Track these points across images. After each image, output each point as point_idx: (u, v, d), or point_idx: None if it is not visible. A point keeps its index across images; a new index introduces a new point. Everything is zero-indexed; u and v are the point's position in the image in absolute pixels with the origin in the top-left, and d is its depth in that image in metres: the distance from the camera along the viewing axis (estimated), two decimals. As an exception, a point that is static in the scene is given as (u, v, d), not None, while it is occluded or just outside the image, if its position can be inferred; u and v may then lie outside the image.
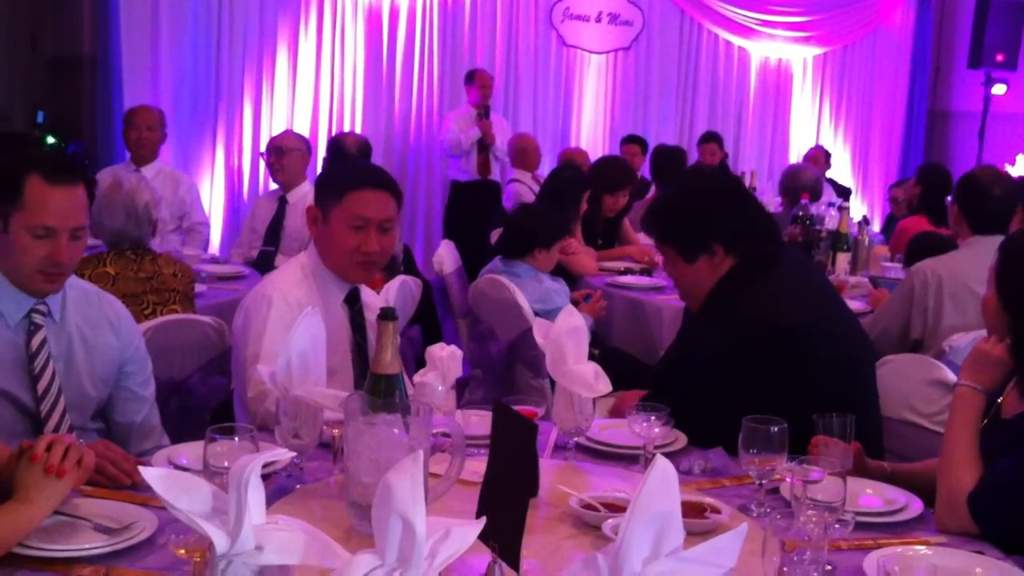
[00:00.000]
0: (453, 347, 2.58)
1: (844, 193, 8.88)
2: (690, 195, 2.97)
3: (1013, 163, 9.16)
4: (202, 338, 3.43)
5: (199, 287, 4.20)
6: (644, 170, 8.95)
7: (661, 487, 1.49)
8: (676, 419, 2.46)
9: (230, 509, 1.52)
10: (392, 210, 2.90)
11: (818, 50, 10.76)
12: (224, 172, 8.56)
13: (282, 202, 5.75)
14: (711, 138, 9.14)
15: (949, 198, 4.82)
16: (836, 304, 3.01)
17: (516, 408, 2.11)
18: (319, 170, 7.26)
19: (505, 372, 4.38)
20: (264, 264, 5.46)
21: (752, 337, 2.68)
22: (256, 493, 1.52)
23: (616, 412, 2.97)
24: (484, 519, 1.54)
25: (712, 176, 3.06)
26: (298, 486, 2.26)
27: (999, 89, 9.67)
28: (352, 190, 2.84)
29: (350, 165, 4.65)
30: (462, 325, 5.24)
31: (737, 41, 10.46)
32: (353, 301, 2.95)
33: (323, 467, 2.34)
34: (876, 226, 9.23)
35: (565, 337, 2.49)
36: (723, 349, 2.72)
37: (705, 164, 8.58)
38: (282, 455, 1.72)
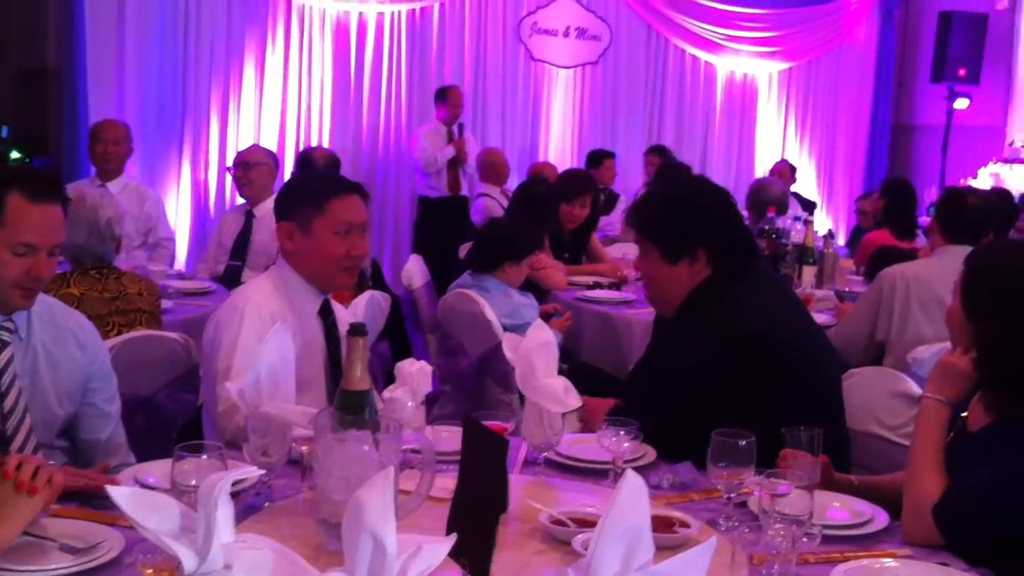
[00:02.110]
0: (423, 363, 2.59)
1: (809, 207, 8.95)
2: (685, 197, 2.96)
3: (975, 176, 9.27)
4: (169, 354, 3.40)
5: (166, 303, 4.17)
6: (616, 184, 9.00)
7: (631, 502, 1.50)
8: (648, 430, 2.47)
9: (199, 528, 1.51)
10: (366, 212, 2.99)
11: (783, 65, 10.85)
12: (190, 186, 8.52)
13: (249, 216, 5.72)
14: (654, 150, 9.19)
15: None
16: (803, 315, 3.04)
17: (486, 423, 2.12)
18: (287, 184, 7.23)
19: (474, 387, 4.38)
20: (231, 279, 5.43)
21: (719, 342, 2.70)
22: (225, 511, 1.51)
23: (586, 422, 2.96)
24: (454, 536, 1.54)
25: (705, 183, 3.07)
26: (266, 504, 2.24)
27: (962, 103, 9.77)
28: (331, 198, 2.88)
29: (315, 176, 4.64)
30: (431, 340, 5.23)
31: (703, 56, 10.53)
32: (326, 314, 2.95)
33: (291, 484, 2.33)
34: (841, 239, 9.31)
35: (535, 352, 2.49)
36: (700, 357, 2.73)
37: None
38: (251, 473, 1.72)
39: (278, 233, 2.96)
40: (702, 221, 2.85)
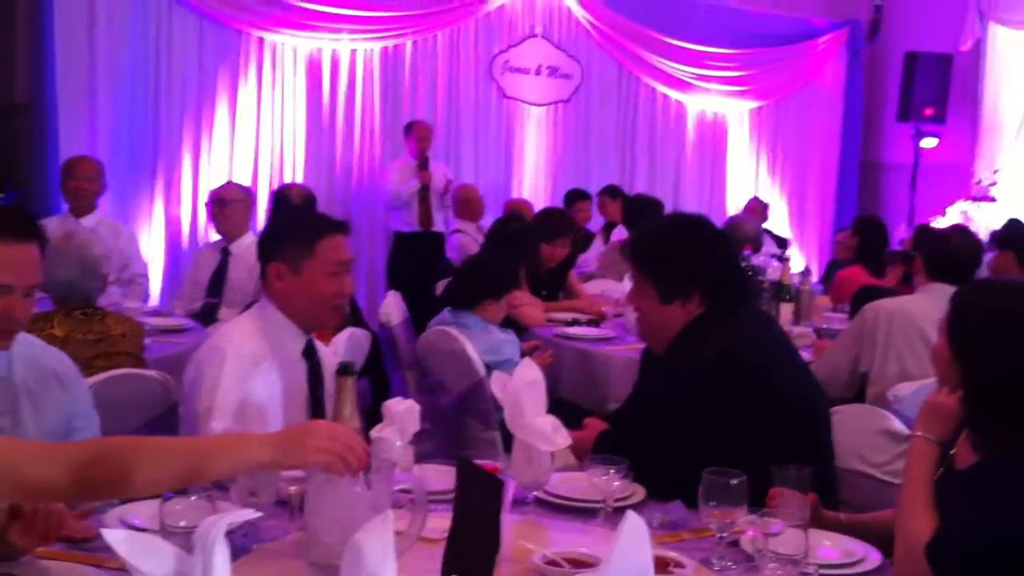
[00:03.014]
0: (411, 401, 2.58)
1: (782, 243, 9.02)
2: (686, 238, 2.94)
3: (944, 214, 9.38)
4: (149, 393, 3.36)
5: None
6: (592, 223, 9.03)
7: (633, 543, 1.50)
8: (636, 466, 2.46)
9: (195, 572, 1.49)
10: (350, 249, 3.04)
11: (753, 104, 10.96)
12: (163, 223, 8.46)
13: (225, 253, 5.69)
14: (607, 191, 9.20)
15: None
16: (790, 354, 3.04)
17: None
18: (261, 220, 7.21)
19: (455, 424, 4.36)
20: (207, 316, 5.40)
21: (710, 375, 2.70)
22: (221, 555, 1.50)
23: (580, 443, 2.87)
24: (454, 578, 1.53)
25: (705, 224, 3.05)
26: (254, 545, 2.21)
27: (929, 142, 9.91)
28: (320, 239, 2.90)
29: (301, 216, 4.61)
30: (409, 377, 5.20)
31: (674, 95, 10.62)
32: (311, 353, 2.93)
33: (279, 525, 2.30)
34: (814, 275, 9.38)
35: (524, 390, 2.48)
36: (682, 388, 2.73)
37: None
38: (247, 516, 1.69)
39: (267, 274, 2.93)
40: (700, 264, 2.85)
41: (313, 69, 8.99)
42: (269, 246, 2.97)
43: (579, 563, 2.08)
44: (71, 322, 3.59)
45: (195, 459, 1.94)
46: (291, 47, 8.89)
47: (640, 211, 7.36)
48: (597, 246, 8.47)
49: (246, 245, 5.57)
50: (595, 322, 5.50)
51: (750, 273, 5.59)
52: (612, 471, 2.41)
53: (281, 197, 6.07)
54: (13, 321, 2.37)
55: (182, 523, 1.91)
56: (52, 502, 1.98)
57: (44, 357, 2.57)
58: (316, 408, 2.88)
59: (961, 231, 4.64)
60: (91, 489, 1.90)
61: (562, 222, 6.14)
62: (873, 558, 2.26)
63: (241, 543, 2.19)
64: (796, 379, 2.86)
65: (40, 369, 2.54)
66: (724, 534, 2.23)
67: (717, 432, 2.59)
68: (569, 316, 5.59)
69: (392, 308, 5.38)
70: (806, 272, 6.03)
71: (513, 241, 5.59)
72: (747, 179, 11.04)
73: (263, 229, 3.19)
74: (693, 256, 2.87)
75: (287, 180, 8.57)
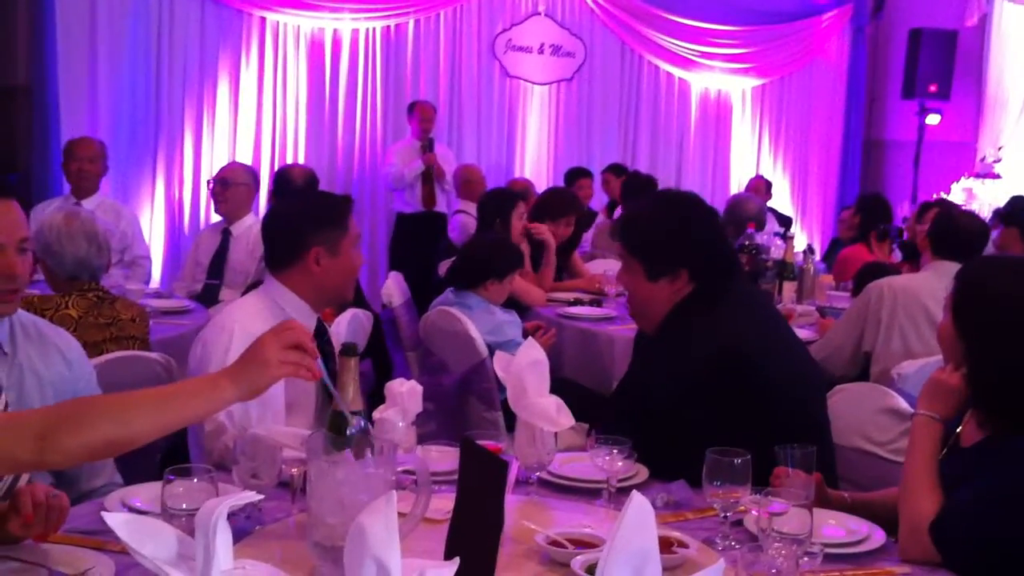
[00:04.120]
0: (413, 382, 2.56)
1: (785, 222, 9.00)
2: (671, 216, 2.93)
3: (948, 191, 9.35)
4: (152, 375, 3.35)
5: (144, 323, 4.12)
6: (593, 202, 9.01)
7: (638, 524, 1.49)
8: (637, 446, 2.45)
9: (197, 555, 1.48)
10: None
11: (756, 81, 10.93)
12: (164, 204, 8.46)
13: (226, 235, 5.68)
14: (611, 169, 9.20)
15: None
16: (785, 333, 3.02)
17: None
18: (264, 202, 7.18)
19: (457, 405, 4.35)
20: (208, 298, 5.39)
21: (700, 376, 2.68)
22: (224, 537, 1.49)
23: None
24: (457, 560, 1.52)
25: (695, 202, 3.03)
26: (257, 527, 2.21)
27: (933, 119, 9.87)
28: (348, 215, 3.02)
29: (326, 197, 4.55)
30: (412, 358, 5.19)
31: (677, 72, 10.59)
32: (322, 333, 2.93)
33: (281, 507, 2.29)
34: (816, 254, 9.36)
35: (527, 370, 2.47)
36: (677, 379, 2.72)
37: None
38: (249, 498, 1.68)
39: (303, 260, 2.90)
40: (685, 241, 2.83)
41: (315, 49, 8.97)
42: (302, 232, 2.92)
43: (582, 543, 2.07)
44: (84, 303, 3.58)
45: (164, 410, 1.95)
46: (293, 27, 8.87)
47: (637, 190, 7.35)
48: (598, 223, 8.44)
49: (247, 226, 5.56)
50: (597, 301, 5.48)
51: (753, 252, 5.57)
52: (615, 451, 2.40)
53: (283, 178, 6.05)
54: (14, 279, 2.36)
55: (184, 505, 1.90)
56: (18, 472, 1.96)
57: (48, 335, 2.56)
58: (324, 387, 2.87)
59: (969, 212, 4.62)
60: (60, 455, 1.86)
61: (567, 202, 6.13)
62: (877, 537, 2.25)
63: (243, 525, 2.18)
64: (786, 359, 2.84)
65: (45, 346, 2.53)
66: (728, 514, 2.22)
67: (714, 422, 2.57)
68: (571, 296, 5.57)
69: (394, 289, 5.37)
70: (809, 250, 6.01)
71: (500, 208, 5.60)
72: (750, 157, 11.01)
73: (278, 215, 3.14)
74: (678, 233, 2.85)
75: (288, 161, 8.56)
